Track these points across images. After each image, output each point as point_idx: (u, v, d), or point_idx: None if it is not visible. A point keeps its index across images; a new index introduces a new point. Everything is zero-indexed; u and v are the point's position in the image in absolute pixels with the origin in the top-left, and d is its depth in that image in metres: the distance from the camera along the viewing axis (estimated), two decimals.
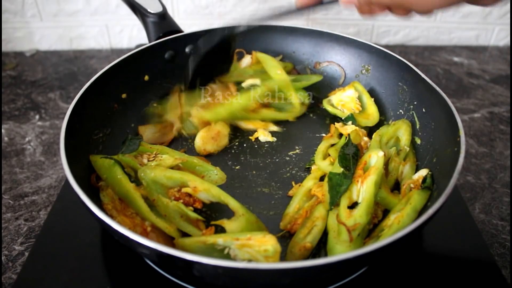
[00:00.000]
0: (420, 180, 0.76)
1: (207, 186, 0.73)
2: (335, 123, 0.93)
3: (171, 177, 0.74)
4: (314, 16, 1.39)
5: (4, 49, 1.42)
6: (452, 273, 0.71)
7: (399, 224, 0.67)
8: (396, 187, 0.81)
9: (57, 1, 1.33)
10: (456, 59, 1.41)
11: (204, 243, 0.64)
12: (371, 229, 0.72)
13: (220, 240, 0.63)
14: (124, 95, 0.93)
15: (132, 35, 1.42)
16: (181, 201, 0.73)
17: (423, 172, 0.77)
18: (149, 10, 1.00)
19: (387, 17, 1.40)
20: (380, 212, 0.75)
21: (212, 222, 0.72)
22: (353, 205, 0.74)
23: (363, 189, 0.73)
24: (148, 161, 0.80)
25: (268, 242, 0.62)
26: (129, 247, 0.59)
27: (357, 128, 0.89)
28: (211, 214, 0.77)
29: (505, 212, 0.86)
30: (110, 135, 0.87)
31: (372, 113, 0.95)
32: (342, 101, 0.98)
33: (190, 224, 0.71)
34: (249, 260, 0.61)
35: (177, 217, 0.71)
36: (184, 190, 0.73)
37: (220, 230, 0.70)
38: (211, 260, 0.50)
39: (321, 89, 1.07)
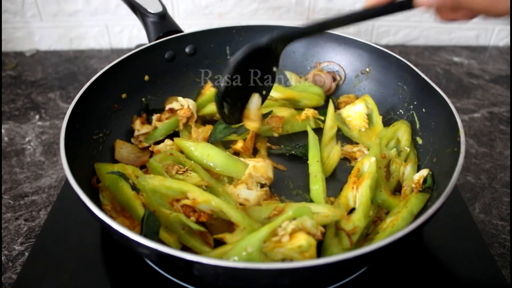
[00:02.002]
0: (421, 181, 0.76)
1: (207, 197, 0.69)
2: (345, 144, 0.91)
3: (170, 187, 0.71)
4: (314, 16, 1.39)
5: (4, 49, 1.42)
6: (452, 273, 0.71)
7: (393, 227, 0.67)
8: (399, 189, 0.81)
9: (57, 1, 1.33)
10: (456, 59, 1.41)
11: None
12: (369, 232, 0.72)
13: (249, 248, 0.59)
14: (124, 95, 0.92)
15: (132, 35, 1.42)
16: (181, 212, 0.69)
17: (424, 172, 0.77)
18: (149, 10, 1.00)
19: (387, 17, 1.40)
20: (384, 215, 0.75)
21: (214, 236, 0.69)
22: (350, 212, 0.74)
23: (359, 194, 0.73)
24: (177, 173, 0.77)
25: (300, 238, 0.59)
26: (129, 247, 0.59)
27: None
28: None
29: (505, 212, 0.86)
30: (110, 135, 0.87)
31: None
32: (349, 116, 0.94)
33: (193, 237, 0.68)
34: (284, 260, 0.60)
35: (178, 228, 0.68)
36: (183, 202, 0.69)
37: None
38: (211, 260, 0.50)
39: None
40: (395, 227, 0.67)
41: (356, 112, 0.94)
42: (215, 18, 1.40)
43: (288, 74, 1.08)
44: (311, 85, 1.02)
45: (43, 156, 0.99)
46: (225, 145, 0.88)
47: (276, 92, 0.97)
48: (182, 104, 0.91)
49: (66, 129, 0.71)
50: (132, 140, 0.90)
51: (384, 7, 0.65)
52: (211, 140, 0.88)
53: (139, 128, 0.90)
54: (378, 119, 0.93)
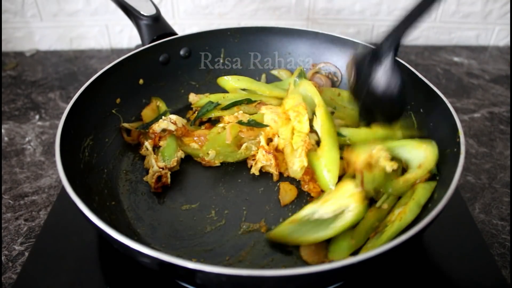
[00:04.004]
0: None
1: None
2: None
3: None
4: (314, 16, 1.39)
5: (4, 49, 1.42)
6: (452, 273, 0.71)
7: (401, 221, 0.67)
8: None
9: (57, 1, 1.33)
10: (456, 59, 1.41)
11: (293, 223, 0.69)
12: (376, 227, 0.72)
13: (304, 212, 0.69)
14: (118, 100, 0.91)
15: (132, 35, 1.42)
16: None
17: None
18: (142, 13, 0.99)
19: (387, 17, 1.40)
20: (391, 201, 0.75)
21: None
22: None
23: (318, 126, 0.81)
24: None
25: (343, 185, 0.69)
26: (129, 256, 0.59)
27: None
28: None
29: (505, 212, 0.86)
30: (104, 138, 0.87)
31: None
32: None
33: None
34: (337, 213, 0.67)
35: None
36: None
37: None
38: (213, 268, 0.50)
39: None
40: (403, 220, 0.67)
41: None
42: (215, 18, 1.40)
43: (276, 71, 1.08)
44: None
45: (43, 156, 0.99)
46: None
47: (264, 90, 0.98)
48: (173, 122, 0.88)
49: (62, 134, 0.71)
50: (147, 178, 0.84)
51: None
52: (198, 116, 0.92)
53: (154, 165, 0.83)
54: None
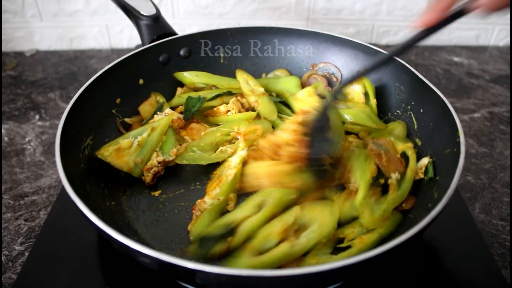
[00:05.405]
0: (423, 170, 0.76)
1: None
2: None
3: None
4: (314, 16, 1.39)
5: (4, 49, 1.42)
6: (452, 273, 0.71)
7: (364, 245, 0.68)
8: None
9: (57, 1, 1.33)
10: (456, 59, 1.41)
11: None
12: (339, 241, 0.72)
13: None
14: (118, 100, 0.92)
15: (132, 35, 1.42)
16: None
17: (425, 160, 0.77)
18: (142, 13, 0.99)
19: (387, 17, 1.40)
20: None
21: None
22: None
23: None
24: None
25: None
26: (129, 256, 0.59)
27: None
28: None
29: (505, 212, 0.86)
30: (104, 138, 0.87)
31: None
32: (348, 94, 0.97)
33: None
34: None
35: None
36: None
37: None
38: (213, 268, 0.50)
39: None
40: (365, 246, 0.68)
41: (354, 91, 0.96)
42: (215, 18, 1.40)
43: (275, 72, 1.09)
44: (294, 81, 1.03)
45: (43, 156, 0.99)
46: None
47: (223, 83, 1.01)
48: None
49: (62, 133, 0.71)
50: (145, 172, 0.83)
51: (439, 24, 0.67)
52: (187, 116, 0.91)
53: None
54: (373, 101, 0.95)
